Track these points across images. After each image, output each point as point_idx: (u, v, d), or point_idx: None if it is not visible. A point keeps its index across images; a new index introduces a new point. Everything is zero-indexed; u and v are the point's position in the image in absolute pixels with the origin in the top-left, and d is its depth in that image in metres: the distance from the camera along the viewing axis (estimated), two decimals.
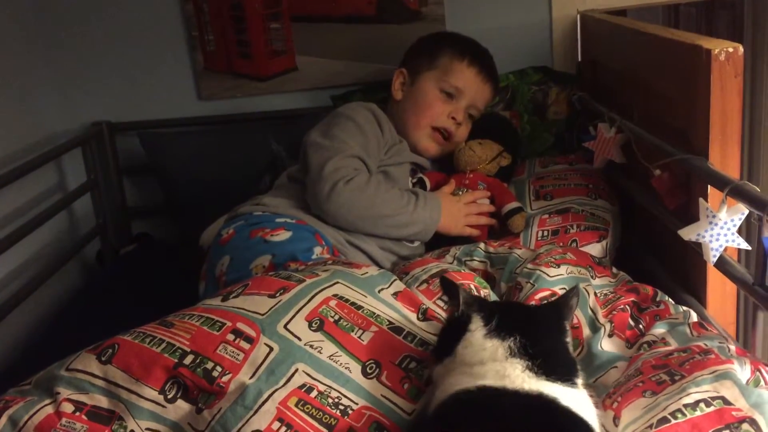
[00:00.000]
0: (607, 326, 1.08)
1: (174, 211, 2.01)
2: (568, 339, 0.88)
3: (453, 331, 0.87)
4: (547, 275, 1.16)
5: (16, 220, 1.74)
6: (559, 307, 0.91)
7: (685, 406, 0.82)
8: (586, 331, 1.07)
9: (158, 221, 2.10)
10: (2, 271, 1.68)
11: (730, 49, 1.09)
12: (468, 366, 0.82)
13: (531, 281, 1.15)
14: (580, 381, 0.83)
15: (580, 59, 1.92)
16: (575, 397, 0.80)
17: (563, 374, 0.81)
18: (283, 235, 1.29)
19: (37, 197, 1.87)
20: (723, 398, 0.82)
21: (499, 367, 0.80)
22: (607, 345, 1.06)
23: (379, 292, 1.05)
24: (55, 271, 1.78)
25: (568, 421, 0.77)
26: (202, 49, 1.98)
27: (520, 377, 0.79)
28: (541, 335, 0.85)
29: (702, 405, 0.82)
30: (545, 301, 1.10)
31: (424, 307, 1.05)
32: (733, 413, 0.81)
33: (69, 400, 0.86)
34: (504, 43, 1.82)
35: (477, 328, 0.84)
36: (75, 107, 2.01)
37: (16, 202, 1.77)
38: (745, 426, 0.79)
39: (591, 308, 1.11)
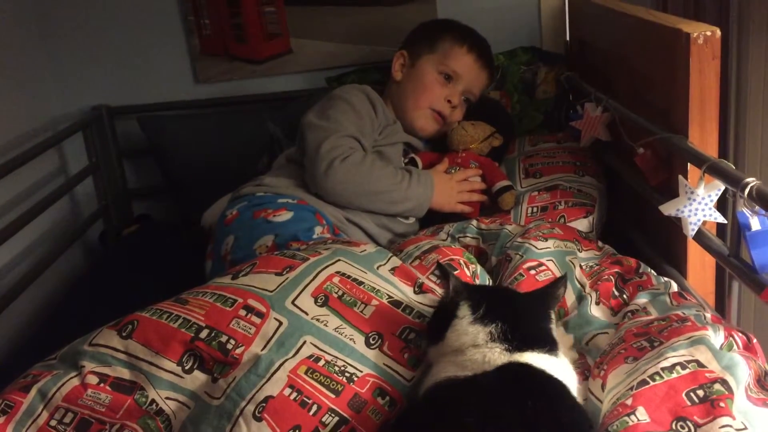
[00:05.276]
0: (593, 295, 1.14)
1: (173, 192, 2.05)
2: (552, 325, 0.93)
3: (444, 317, 0.92)
4: (535, 247, 1.22)
5: (20, 205, 1.78)
6: (546, 296, 0.95)
7: (663, 369, 0.87)
8: (570, 300, 1.13)
9: (158, 202, 2.14)
10: (10, 254, 1.73)
11: (708, 33, 1.14)
12: (453, 353, 0.88)
13: (520, 253, 1.21)
14: (560, 353, 0.88)
15: (568, 39, 1.96)
16: (551, 362, 0.86)
17: (541, 346, 0.86)
18: (285, 216, 1.34)
19: (40, 182, 1.90)
20: (697, 361, 0.88)
21: (478, 354, 0.85)
22: (596, 312, 1.12)
23: (377, 268, 1.10)
24: (61, 253, 1.82)
25: (538, 379, 0.83)
26: (199, 34, 2.01)
27: (499, 358, 0.85)
28: (524, 321, 0.90)
29: (678, 368, 0.87)
30: (533, 271, 1.16)
31: (420, 281, 1.10)
32: (707, 374, 0.86)
33: (93, 372, 0.91)
34: (494, 23, 1.86)
35: (464, 316, 0.90)
36: (74, 92, 2.04)
37: (20, 188, 1.81)
38: (717, 386, 0.85)
39: (578, 279, 1.17)
